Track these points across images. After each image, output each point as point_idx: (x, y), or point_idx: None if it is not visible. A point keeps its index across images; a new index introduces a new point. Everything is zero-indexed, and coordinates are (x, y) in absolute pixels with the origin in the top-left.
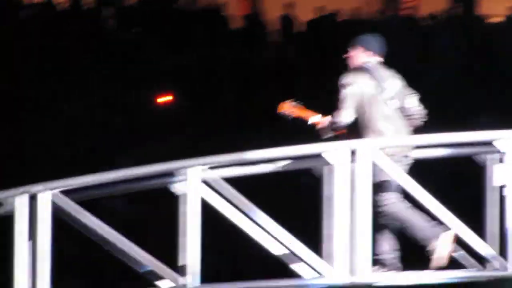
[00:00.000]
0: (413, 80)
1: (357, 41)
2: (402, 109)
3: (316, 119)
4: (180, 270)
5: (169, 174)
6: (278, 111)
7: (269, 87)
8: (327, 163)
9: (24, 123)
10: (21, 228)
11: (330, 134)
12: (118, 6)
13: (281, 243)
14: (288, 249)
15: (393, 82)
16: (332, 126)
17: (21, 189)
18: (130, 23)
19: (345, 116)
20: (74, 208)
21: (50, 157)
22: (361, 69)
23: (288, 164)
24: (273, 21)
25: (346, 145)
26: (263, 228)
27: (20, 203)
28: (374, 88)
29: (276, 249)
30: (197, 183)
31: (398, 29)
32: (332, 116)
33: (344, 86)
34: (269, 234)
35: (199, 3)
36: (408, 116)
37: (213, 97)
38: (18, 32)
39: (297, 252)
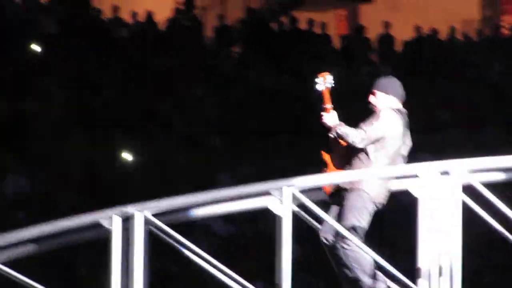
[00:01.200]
0: None
1: (382, 85)
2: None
3: (331, 113)
4: None
5: (264, 193)
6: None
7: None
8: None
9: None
10: (116, 249)
11: (330, 135)
12: (220, 25)
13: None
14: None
15: (409, 139)
16: (343, 136)
17: (117, 210)
18: (230, 42)
19: (363, 142)
20: (166, 230)
21: (149, 175)
22: (398, 112)
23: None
24: (371, 40)
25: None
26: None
27: (116, 224)
28: (400, 138)
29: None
30: (290, 203)
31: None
32: (351, 129)
33: (381, 117)
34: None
35: (298, 23)
36: None
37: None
38: (121, 50)
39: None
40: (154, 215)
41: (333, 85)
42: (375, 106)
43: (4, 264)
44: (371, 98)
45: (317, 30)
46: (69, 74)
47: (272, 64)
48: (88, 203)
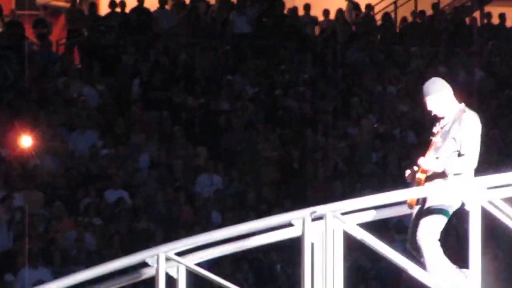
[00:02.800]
0: None
1: (436, 86)
2: None
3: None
4: None
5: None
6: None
7: None
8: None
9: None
10: (307, 248)
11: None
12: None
13: None
14: None
15: None
16: (460, 171)
17: (308, 211)
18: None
19: (473, 163)
20: (355, 229)
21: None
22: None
23: None
24: None
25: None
26: None
27: (307, 225)
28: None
29: None
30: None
31: None
32: (463, 160)
33: (475, 126)
34: None
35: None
36: None
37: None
38: None
39: None
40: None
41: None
42: (440, 111)
43: (198, 264)
44: (430, 106)
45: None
46: (261, 72)
47: (469, 61)
48: (280, 201)
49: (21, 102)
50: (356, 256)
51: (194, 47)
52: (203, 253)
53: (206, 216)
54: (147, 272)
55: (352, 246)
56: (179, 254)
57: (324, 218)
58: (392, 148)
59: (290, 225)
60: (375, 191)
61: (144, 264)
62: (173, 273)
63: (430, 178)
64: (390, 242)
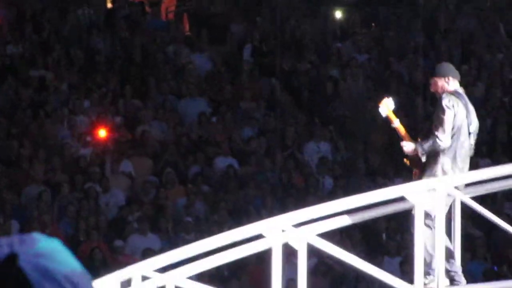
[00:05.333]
0: None
1: (441, 69)
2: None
3: (409, 145)
4: None
5: None
6: (379, 103)
7: None
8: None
9: None
10: (419, 220)
11: (422, 158)
12: None
13: None
14: None
15: (475, 115)
16: (428, 149)
17: (422, 185)
18: None
19: (446, 139)
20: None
21: None
22: (456, 94)
23: None
24: None
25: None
26: None
27: (419, 198)
28: (465, 117)
29: None
30: None
31: None
32: (429, 139)
33: (445, 108)
34: None
35: None
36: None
37: None
38: None
39: None
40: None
41: (393, 107)
42: (437, 93)
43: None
44: (432, 87)
45: None
46: (371, 40)
47: None
48: (389, 170)
49: (131, 69)
50: (465, 223)
51: (303, 14)
52: (321, 225)
53: (315, 183)
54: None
55: (462, 215)
56: (297, 225)
57: (435, 191)
58: (502, 116)
59: (402, 198)
60: (485, 159)
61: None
62: (293, 244)
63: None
64: (499, 213)
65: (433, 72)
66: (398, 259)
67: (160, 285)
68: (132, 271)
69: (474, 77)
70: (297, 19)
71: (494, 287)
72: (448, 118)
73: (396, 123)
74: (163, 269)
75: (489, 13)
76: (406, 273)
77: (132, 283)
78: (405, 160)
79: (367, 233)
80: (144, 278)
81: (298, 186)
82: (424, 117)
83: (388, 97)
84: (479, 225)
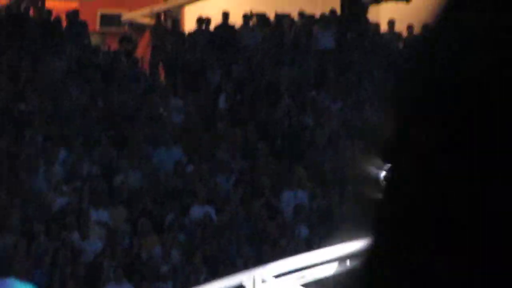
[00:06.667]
0: None
1: None
2: None
3: None
4: None
5: None
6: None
7: None
8: None
9: None
10: None
11: None
12: None
13: None
14: None
15: None
16: None
17: None
18: None
19: None
20: None
21: None
22: None
23: None
24: None
25: None
26: None
27: None
28: None
29: None
30: None
31: None
32: None
33: None
34: None
35: None
36: None
37: None
38: None
39: None
40: None
41: None
42: None
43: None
44: None
45: None
46: (343, 88)
47: None
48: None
49: (107, 118)
50: None
51: (278, 63)
52: (298, 275)
53: (291, 231)
54: None
55: None
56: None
57: None
58: None
59: None
60: None
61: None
62: None
63: None
64: None
65: None
66: None
67: None
68: None
69: None
70: (272, 68)
71: None
72: None
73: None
74: None
75: None
76: None
77: None
78: None
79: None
80: None
81: (274, 235)
82: None
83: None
84: None
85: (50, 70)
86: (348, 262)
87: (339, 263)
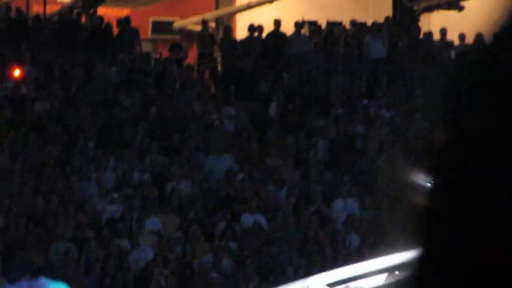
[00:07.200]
0: None
1: None
2: None
3: None
4: None
5: None
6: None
7: None
8: None
9: None
10: None
11: None
12: None
13: None
14: None
15: None
16: None
17: None
18: None
19: None
20: None
21: None
22: None
23: None
24: None
25: None
26: None
27: None
28: None
29: None
30: None
31: None
32: None
33: None
34: None
35: None
36: None
37: None
38: None
39: None
40: None
41: None
42: None
43: None
44: None
45: None
46: (394, 97)
47: None
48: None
49: (157, 125)
50: None
51: (329, 72)
52: (350, 284)
53: (342, 240)
54: None
55: None
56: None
57: None
58: None
59: None
60: None
61: None
62: None
63: None
64: None
65: None
66: None
67: None
68: None
69: None
70: (323, 76)
71: None
72: None
73: None
74: None
75: None
76: None
77: None
78: None
79: None
80: None
81: (324, 243)
82: None
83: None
84: None
85: (102, 78)
86: (398, 272)
87: (390, 273)
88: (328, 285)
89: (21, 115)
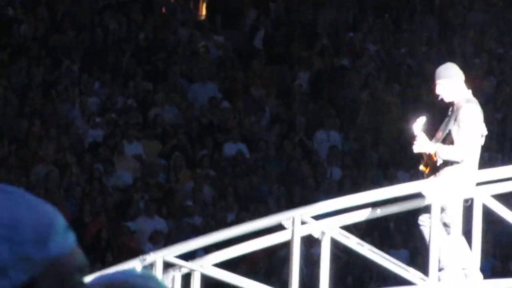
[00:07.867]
0: None
1: (453, 71)
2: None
3: (432, 149)
4: None
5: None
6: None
7: None
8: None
9: None
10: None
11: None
12: None
13: None
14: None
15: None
16: (447, 158)
17: (441, 182)
18: None
19: (468, 153)
20: None
21: None
22: (473, 99)
23: None
24: None
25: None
26: None
27: (437, 195)
28: (482, 122)
29: None
30: None
31: None
32: (454, 149)
33: (470, 120)
34: None
35: None
36: None
37: None
38: None
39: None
40: None
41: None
42: (446, 97)
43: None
44: (438, 90)
45: None
46: (382, 30)
47: None
48: (398, 160)
49: (142, 51)
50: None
51: (316, 3)
52: (338, 218)
53: (323, 173)
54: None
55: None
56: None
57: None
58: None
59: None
60: (495, 154)
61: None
62: (316, 235)
63: (433, 171)
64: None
65: (439, 74)
66: (404, 252)
67: (185, 272)
68: (155, 257)
69: (485, 71)
70: (309, 8)
71: (505, 283)
72: (473, 131)
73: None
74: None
75: (502, 8)
76: (416, 266)
77: (155, 270)
78: (422, 162)
79: (375, 224)
80: (167, 264)
81: (306, 174)
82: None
83: (422, 117)
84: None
85: (89, 1)
86: (381, 207)
87: (373, 208)
88: (313, 217)
89: (7, 37)
